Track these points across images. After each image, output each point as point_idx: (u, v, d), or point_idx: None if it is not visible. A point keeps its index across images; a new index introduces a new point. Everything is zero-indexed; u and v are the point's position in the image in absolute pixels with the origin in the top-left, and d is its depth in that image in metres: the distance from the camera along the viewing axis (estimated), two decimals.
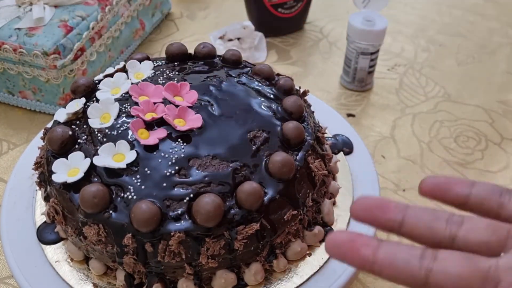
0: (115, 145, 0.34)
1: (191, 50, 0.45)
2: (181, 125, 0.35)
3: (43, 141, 0.39)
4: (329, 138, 0.46)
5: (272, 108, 0.38)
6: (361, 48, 0.62)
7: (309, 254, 0.37)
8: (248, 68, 0.43)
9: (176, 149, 0.34)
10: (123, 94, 0.39)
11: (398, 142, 0.59)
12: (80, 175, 0.33)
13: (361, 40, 0.62)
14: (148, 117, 0.35)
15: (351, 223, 0.39)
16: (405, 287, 0.20)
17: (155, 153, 0.34)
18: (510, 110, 0.64)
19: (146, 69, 0.42)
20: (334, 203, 0.40)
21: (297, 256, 0.36)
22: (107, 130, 0.36)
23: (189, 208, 0.32)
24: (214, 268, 0.33)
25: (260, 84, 0.41)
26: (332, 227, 0.39)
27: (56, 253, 0.37)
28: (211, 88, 0.39)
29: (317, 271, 0.36)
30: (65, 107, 0.39)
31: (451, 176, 0.25)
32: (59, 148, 0.35)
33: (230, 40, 0.71)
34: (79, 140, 0.36)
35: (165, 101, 0.37)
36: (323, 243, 0.38)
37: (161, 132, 0.35)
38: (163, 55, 0.46)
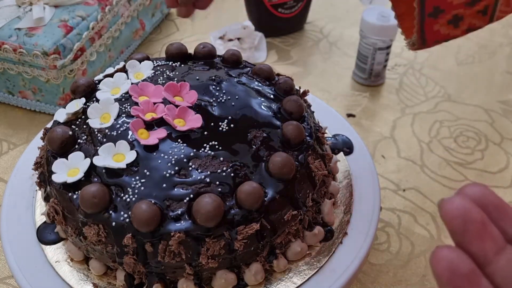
0: (115, 145, 0.34)
1: (191, 50, 0.45)
2: (181, 125, 0.35)
3: (43, 141, 0.39)
4: (329, 138, 0.46)
5: (272, 108, 0.38)
6: (378, 43, 0.63)
7: (309, 254, 0.37)
8: (248, 68, 0.43)
9: (176, 149, 0.34)
10: (123, 94, 0.39)
11: (398, 142, 0.59)
12: (80, 175, 0.33)
13: (379, 36, 0.62)
14: (148, 117, 0.35)
15: (351, 223, 0.39)
16: None
17: (155, 153, 0.34)
18: (510, 110, 0.64)
19: (146, 69, 0.42)
20: (334, 203, 0.40)
21: (297, 256, 0.36)
22: (107, 130, 0.36)
23: (189, 208, 0.32)
24: (214, 268, 0.33)
25: (260, 84, 0.41)
26: (333, 227, 0.39)
27: (56, 253, 0.37)
28: (211, 88, 0.39)
29: (317, 271, 0.36)
30: (65, 107, 0.39)
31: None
32: (59, 148, 0.35)
33: (230, 40, 0.71)
34: (79, 140, 0.36)
35: (165, 101, 0.37)
36: (323, 243, 0.38)
37: (161, 132, 0.35)
38: (163, 55, 0.46)
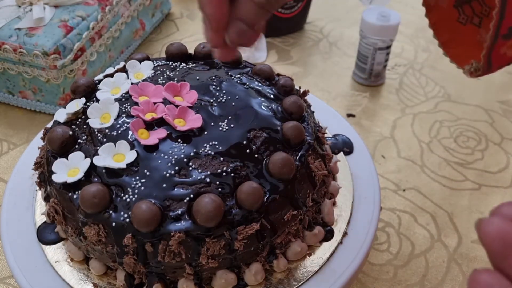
0: (115, 145, 0.34)
1: (191, 50, 0.45)
2: (181, 125, 0.35)
3: (43, 141, 0.39)
4: (329, 138, 0.46)
5: (272, 108, 0.38)
6: (378, 43, 0.63)
7: (309, 254, 0.37)
8: (248, 68, 0.43)
9: (176, 149, 0.34)
10: (123, 94, 0.39)
11: (398, 142, 0.59)
12: (80, 175, 0.33)
13: (379, 36, 0.62)
14: (148, 117, 0.35)
15: (351, 223, 0.39)
16: None
17: (155, 153, 0.34)
18: (510, 110, 0.64)
19: (146, 69, 0.42)
20: (334, 203, 0.40)
21: (297, 256, 0.36)
22: (107, 130, 0.36)
23: (189, 208, 0.32)
24: (214, 268, 0.33)
25: (260, 84, 0.41)
26: (333, 227, 0.39)
27: (56, 253, 0.37)
28: (211, 88, 0.39)
29: (317, 271, 0.36)
30: (65, 107, 0.39)
31: None
32: (59, 148, 0.35)
33: None
34: (79, 140, 0.36)
35: (165, 101, 0.37)
36: (323, 243, 0.38)
37: (161, 132, 0.35)
38: (163, 55, 0.46)
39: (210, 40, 0.30)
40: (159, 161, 0.33)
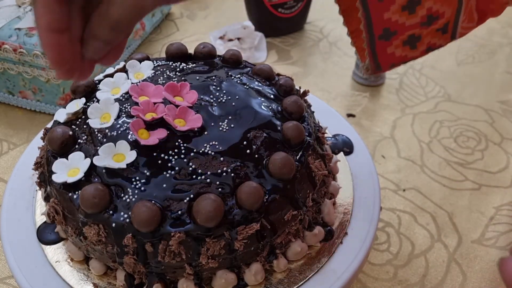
0: (115, 145, 0.34)
1: (191, 50, 0.45)
2: (181, 125, 0.35)
3: (43, 141, 0.39)
4: (329, 138, 0.46)
5: (272, 108, 0.38)
6: None
7: (309, 254, 0.37)
8: (248, 68, 0.43)
9: (176, 150, 0.34)
10: (123, 94, 0.39)
11: (398, 142, 0.59)
12: (80, 175, 0.33)
13: None
14: (148, 117, 0.35)
15: (351, 223, 0.39)
16: None
17: (155, 153, 0.34)
18: (510, 110, 0.64)
19: (146, 69, 0.42)
20: (334, 203, 0.40)
21: (297, 256, 0.36)
22: (107, 130, 0.36)
23: (189, 208, 0.32)
24: (214, 268, 0.33)
25: (260, 84, 0.41)
26: (333, 227, 0.39)
27: (56, 253, 0.37)
28: (211, 88, 0.39)
29: (317, 271, 0.36)
30: (65, 107, 0.39)
31: None
32: (59, 148, 0.35)
33: (230, 40, 0.71)
34: (79, 140, 0.36)
35: (165, 101, 0.37)
36: (323, 243, 0.38)
37: (161, 132, 0.35)
38: (163, 55, 0.46)
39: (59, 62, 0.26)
40: (159, 161, 0.33)
